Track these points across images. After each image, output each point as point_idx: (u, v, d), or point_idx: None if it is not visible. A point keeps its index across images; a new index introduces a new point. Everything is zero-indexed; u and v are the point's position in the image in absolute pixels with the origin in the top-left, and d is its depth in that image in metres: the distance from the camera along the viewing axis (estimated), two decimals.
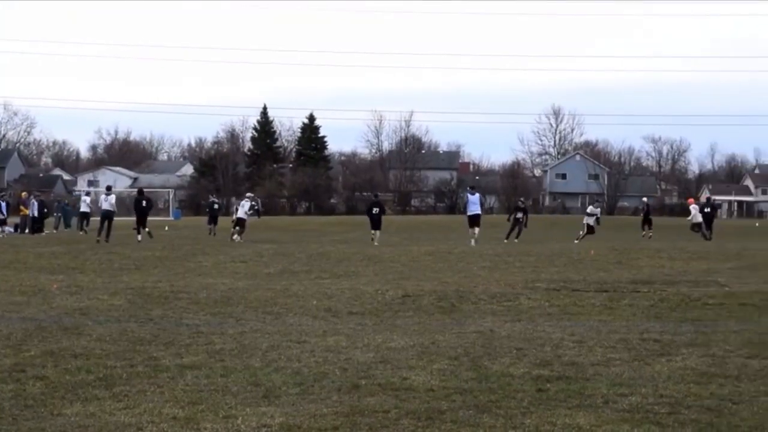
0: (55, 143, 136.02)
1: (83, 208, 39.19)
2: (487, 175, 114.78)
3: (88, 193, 48.92)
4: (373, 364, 8.85)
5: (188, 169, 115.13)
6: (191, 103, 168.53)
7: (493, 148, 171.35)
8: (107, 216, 30.94)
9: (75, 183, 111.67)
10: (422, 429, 6.46)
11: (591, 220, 36.81)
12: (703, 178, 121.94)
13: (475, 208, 31.19)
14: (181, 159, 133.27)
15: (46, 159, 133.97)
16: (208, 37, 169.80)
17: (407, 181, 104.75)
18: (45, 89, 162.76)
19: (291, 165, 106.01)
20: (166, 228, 45.21)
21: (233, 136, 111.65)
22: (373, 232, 32.35)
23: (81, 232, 36.53)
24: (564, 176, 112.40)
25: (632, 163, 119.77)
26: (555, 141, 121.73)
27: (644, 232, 38.64)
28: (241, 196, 44.91)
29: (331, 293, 15.27)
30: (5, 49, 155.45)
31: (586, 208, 40.25)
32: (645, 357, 9.34)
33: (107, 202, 31.56)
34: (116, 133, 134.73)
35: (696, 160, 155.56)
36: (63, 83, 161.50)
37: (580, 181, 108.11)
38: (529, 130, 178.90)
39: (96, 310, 13.14)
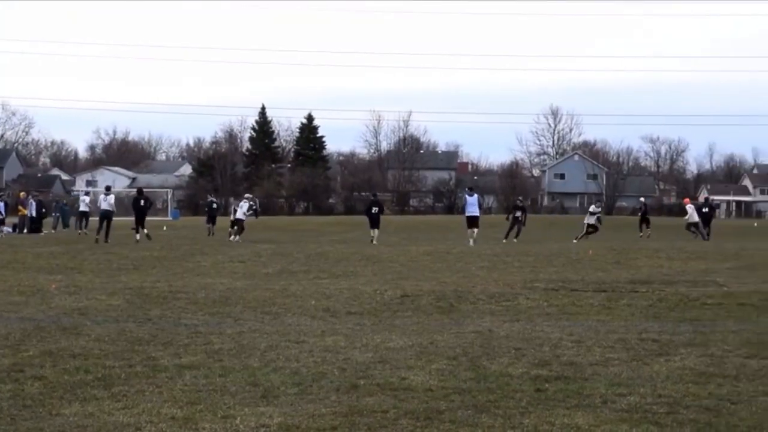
0: (53, 143, 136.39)
1: (82, 208, 39.18)
2: (486, 175, 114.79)
3: (87, 193, 48.83)
4: (372, 364, 8.85)
5: (187, 169, 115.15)
6: (190, 103, 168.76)
7: (491, 148, 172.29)
8: (106, 216, 30.99)
9: (73, 183, 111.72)
10: (421, 429, 6.46)
11: (592, 219, 36.86)
12: (701, 178, 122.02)
13: (473, 210, 30.82)
14: (180, 159, 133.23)
15: (44, 159, 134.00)
16: (207, 37, 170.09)
17: (406, 181, 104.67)
18: (44, 89, 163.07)
19: (289, 165, 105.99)
20: (165, 228, 45.20)
21: (232, 136, 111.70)
22: (372, 231, 32.44)
23: (79, 232, 36.50)
24: (562, 176, 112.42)
25: (631, 163, 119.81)
26: (553, 141, 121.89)
27: (642, 232, 38.67)
28: (239, 196, 44.92)
29: (329, 293, 15.27)
30: (5, 49, 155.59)
31: (588, 208, 40.27)
32: (643, 357, 9.34)
33: (106, 202, 31.56)
34: (114, 133, 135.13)
35: (694, 160, 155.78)
36: (62, 83, 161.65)
37: (579, 181, 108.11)
38: (527, 130, 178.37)
39: (94, 310, 13.13)
